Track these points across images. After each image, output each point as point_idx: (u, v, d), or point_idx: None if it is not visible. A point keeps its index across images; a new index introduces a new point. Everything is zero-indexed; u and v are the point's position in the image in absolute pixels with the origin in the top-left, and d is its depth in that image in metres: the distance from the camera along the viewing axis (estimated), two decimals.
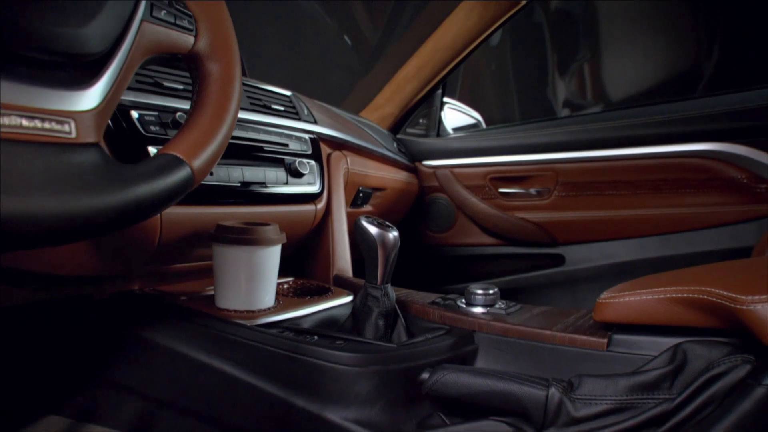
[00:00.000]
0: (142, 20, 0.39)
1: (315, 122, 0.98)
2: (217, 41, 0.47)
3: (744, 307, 0.42)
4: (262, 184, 0.80)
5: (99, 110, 0.34)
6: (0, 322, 0.67)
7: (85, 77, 0.34)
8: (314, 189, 0.90)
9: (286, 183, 0.84)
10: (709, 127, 1.30)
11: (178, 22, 0.43)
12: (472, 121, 1.86)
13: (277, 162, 0.84)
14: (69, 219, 0.30)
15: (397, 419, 0.54)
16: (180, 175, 0.40)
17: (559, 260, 1.48)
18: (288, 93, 0.96)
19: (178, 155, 0.41)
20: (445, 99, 1.72)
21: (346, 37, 2.01)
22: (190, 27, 0.45)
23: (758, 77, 1.63)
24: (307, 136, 0.94)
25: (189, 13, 0.45)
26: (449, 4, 1.41)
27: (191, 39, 0.45)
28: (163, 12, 0.42)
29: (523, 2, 1.35)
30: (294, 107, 0.95)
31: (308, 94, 1.09)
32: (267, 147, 0.82)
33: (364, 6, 2.05)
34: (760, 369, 0.41)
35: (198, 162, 0.42)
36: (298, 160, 0.87)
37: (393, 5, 2.03)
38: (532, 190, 1.51)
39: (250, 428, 0.59)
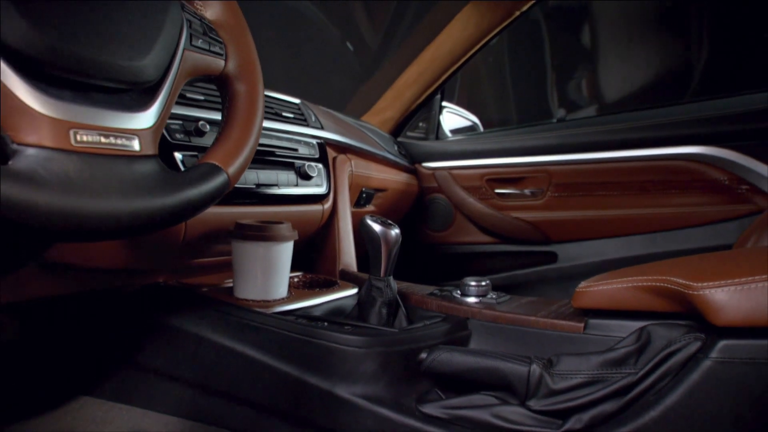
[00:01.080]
0: (184, 49, 0.46)
1: (322, 128, 1.05)
2: (244, 64, 0.54)
3: (695, 293, 0.49)
4: (275, 185, 0.86)
5: (155, 127, 0.41)
6: (44, 311, 0.74)
7: (144, 101, 0.41)
8: (322, 190, 0.97)
9: (296, 185, 0.91)
10: (693, 132, 1.35)
11: (211, 48, 0.50)
12: (469, 123, 1.93)
13: (287, 165, 0.91)
14: (136, 217, 0.37)
15: (399, 394, 0.61)
16: (219, 180, 0.47)
17: (552, 257, 1.54)
18: (297, 101, 1.03)
19: (216, 163, 0.48)
20: (444, 103, 1.76)
21: (348, 44, 2.07)
22: (221, 52, 0.52)
23: (741, 83, 1.70)
24: (314, 141, 1.00)
25: (220, 40, 0.52)
26: (447, 14, 1.46)
27: (222, 62, 0.52)
28: (200, 41, 0.49)
29: (517, 14, 1.42)
30: (302, 114, 1.01)
31: (313, 98, 1.16)
32: (279, 152, 0.89)
33: (365, 12, 2.11)
34: (708, 345, 0.48)
35: (232, 168, 0.49)
36: (307, 163, 0.94)
37: (393, 11, 2.09)
38: (527, 191, 1.55)
39: (269, 404, 0.66)
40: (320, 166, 0.98)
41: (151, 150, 0.40)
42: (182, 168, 0.66)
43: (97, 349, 0.79)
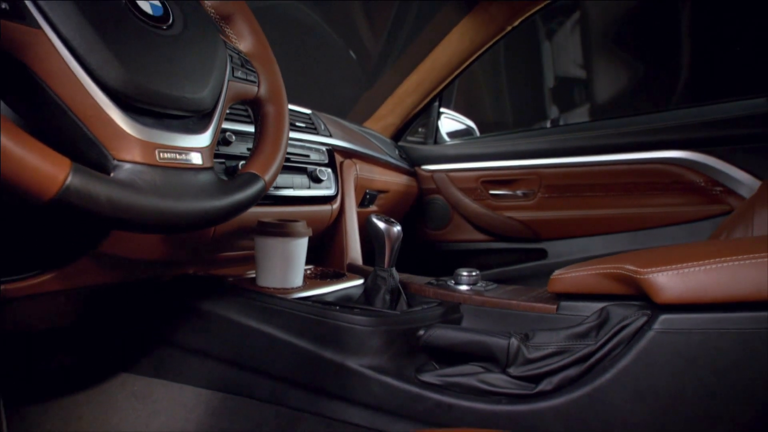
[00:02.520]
0: (229, 81, 0.56)
1: (330, 135, 1.15)
2: (273, 89, 0.64)
3: (642, 277, 0.59)
4: (290, 188, 0.97)
5: (211, 145, 0.52)
6: (94, 297, 0.84)
7: (202, 124, 0.51)
8: (331, 192, 1.08)
9: (309, 187, 1.02)
10: (672, 137, 1.43)
11: (248, 77, 0.61)
12: (466, 127, 2.01)
13: (301, 170, 1.01)
14: (201, 215, 0.48)
15: (401, 365, 0.72)
16: (258, 186, 0.58)
17: (542, 254, 1.62)
18: (308, 111, 1.14)
19: (255, 172, 0.59)
20: (442, 109, 1.83)
21: (351, 52, 2.17)
22: (255, 80, 0.63)
23: (719, 92, 1.80)
24: (324, 147, 1.11)
25: (254, 69, 0.63)
26: (445, 28, 1.55)
27: (255, 88, 0.63)
28: (240, 72, 0.60)
29: (508, 29, 1.52)
30: (313, 123, 1.12)
31: (321, 105, 1.26)
32: (293, 158, 0.99)
33: (366, 20, 2.21)
34: (652, 319, 0.58)
35: (268, 176, 0.60)
36: (318, 168, 1.04)
37: (392, 18, 2.19)
38: (519, 192, 1.63)
39: (289, 376, 0.76)
40: (329, 170, 1.08)
41: (209, 163, 0.51)
42: None
43: (137, 330, 0.89)
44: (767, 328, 0.52)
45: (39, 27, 0.39)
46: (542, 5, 1.47)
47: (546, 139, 1.63)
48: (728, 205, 1.40)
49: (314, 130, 1.10)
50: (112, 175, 0.43)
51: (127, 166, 0.43)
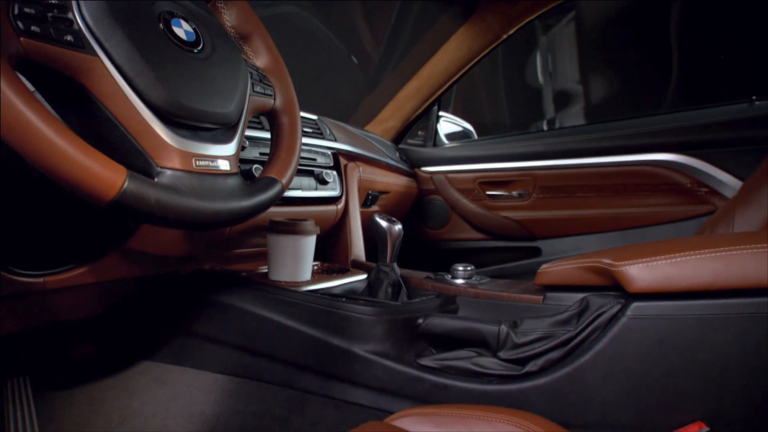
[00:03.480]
0: (250, 95, 0.63)
1: (335, 140, 1.22)
2: (286, 101, 0.71)
3: (616, 269, 0.66)
4: (299, 189, 1.04)
5: (236, 153, 0.59)
6: (120, 289, 0.91)
7: (229, 135, 0.58)
8: (336, 193, 1.15)
9: (315, 189, 1.09)
10: (660, 141, 1.48)
11: (265, 91, 0.68)
12: (464, 130, 2.06)
13: (308, 173, 1.08)
14: (230, 215, 0.55)
15: (402, 351, 0.79)
16: (277, 188, 0.65)
17: (536, 252, 1.68)
18: (314, 117, 1.21)
19: (274, 176, 0.66)
20: (441, 113, 1.90)
21: (353, 57, 2.24)
22: (271, 94, 0.70)
23: (704, 98, 1.87)
24: (329, 151, 1.18)
25: (270, 84, 0.70)
26: (443, 36, 1.62)
27: (272, 101, 0.70)
28: (258, 87, 0.67)
29: (504, 37, 1.59)
30: (319, 128, 1.19)
31: (323, 108, 1.32)
32: (301, 162, 1.06)
33: (367, 25, 2.28)
34: (625, 307, 0.65)
35: (285, 179, 0.67)
36: (324, 171, 1.11)
37: (392, 25, 2.26)
38: (514, 193, 1.68)
39: (300, 361, 0.83)
40: (334, 172, 1.15)
41: (235, 169, 0.58)
42: None
43: (158, 321, 0.96)
44: (723, 313, 0.59)
45: (96, 55, 0.47)
46: (536, 15, 1.54)
47: (540, 142, 1.69)
48: (713, 205, 1.46)
49: (320, 135, 1.17)
50: (156, 180, 0.50)
51: (169, 172, 0.50)
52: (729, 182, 1.44)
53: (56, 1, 0.45)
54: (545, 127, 2.81)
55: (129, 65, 0.48)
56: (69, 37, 0.45)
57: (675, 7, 2.11)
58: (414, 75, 1.72)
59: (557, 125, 2.76)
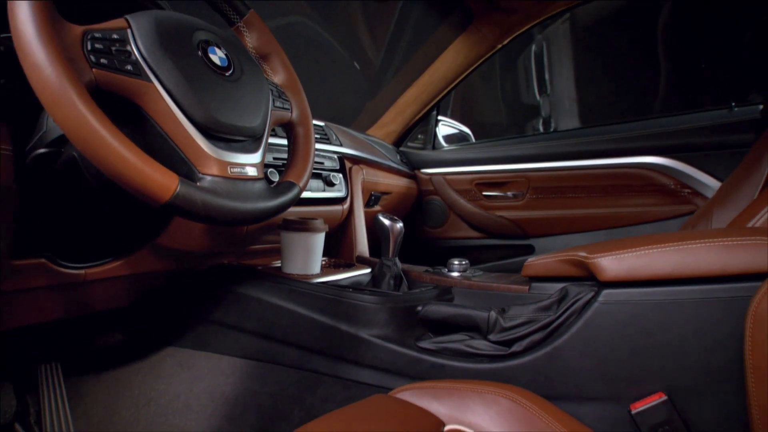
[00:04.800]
0: (271, 110, 0.73)
1: (341, 145, 1.32)
2: (302, 114, 0.81)
3: (590, 261, 0.75)
4: (308, 191, 1.14)
5: (261, 161, 0.68)
6: (148, 281, 1.01)
7: (255, 146, 0.68)
8: (342, 194, 1.24)
9: (323, 190, 1.18)
10: (647, 144, 1.57)
11: (284, 105, 0.78)
12: (461, 133, 2.14)
13: (317, 176, 1.18)
14: (258, 213, 0.64)
15: (403, 335, 0.88)
16: (295, 191, 0.74)
17: (530, 250, 1.76)
18: (322, 123, 1.30)
19: (293, 180, 0.75)
20: (439, 117, 1.99)
21: (355, 63, 2.33)
22: (288, 107, 0.79)
23: (688, 104, 1.96)
24: (335, 155, 1.27)
25: (287, 99, 0.80)
26: (441, 45, 1.71)
27: (289, 114, 0.79)
28: (278, 102, 0.76)
29: (498, 47, 1.68)
30: (326, 134, 1.29)
31: (328, 112, 1.41)
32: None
33: (368, 32, 2.37)
34: (597, 294, 0.74)
35: (302, 183, 0.76)
36: (331, 173, 1.21)
37: (391, 32, 2.34)
38: (509, 194, 1.77)
39: (311, 345, 0.92)
40: (340, 175, 1.25)
41: (261, 174, 0.67)
42: None
43: (182, 310, 1.06)
44: (681, 299, 0.69)
45: (150, 81, 0.56)
46: (528, 27, 1.63)
47: (534, 145, 1.78)
48: (694, 205, 1.55)
49: (327, 141, 1.27)
50: (198, 184, 0.59)
51: (209, 178, 0.59)
52: (710, 183, 1.53)
53: (117, 36, 0.55)
54: (540, 126, 2.91)
55: (176, 89, 0.57)
56: (129, 67, 0.55)
57: (660, 20, 2.20)
58: (414, 82, 1.81)
59: (544, 122, 2.86)
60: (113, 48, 0.54)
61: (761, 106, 1.44)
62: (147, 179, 0.51)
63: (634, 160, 1.59)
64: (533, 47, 2.68)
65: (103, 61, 0.52)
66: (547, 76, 2.72)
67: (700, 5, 2.11)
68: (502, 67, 2.75)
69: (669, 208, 1.58)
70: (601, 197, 1.64)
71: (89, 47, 0.52)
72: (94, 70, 0.52)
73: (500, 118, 2.92)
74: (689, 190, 1.55)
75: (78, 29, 0.52)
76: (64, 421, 1.01)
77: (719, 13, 2.03)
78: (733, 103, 1.55)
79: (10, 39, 0.49)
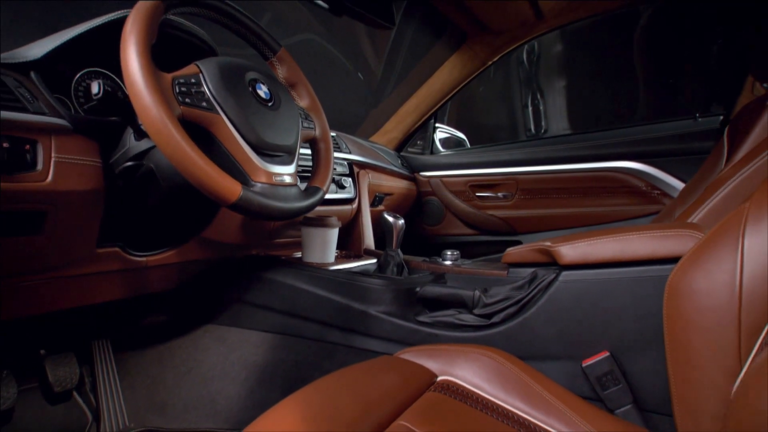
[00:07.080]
0: (301, 129, 0.92)
1: (350, 152, 1.50)
2: (323, 131, 1.00)
3: (552, 249, 0.94)
4: None
5: (295, 171, 0.87)
6: (193, 268, 1.20)
7: (290, 159, 0.86)
8: (351, 195, 1.43)
9: (336, 192, 1.37)
10: (622, 151, 1.73)
11: (310, 126, 0.97)
12: (455, 137, 2.29)
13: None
14: (295, 212, 0.83)
15: (405, 311, 1.06)
16: (320, 194, 0.93)
17: (518, 245, 1.95)
18: (333, 134, 1.49)
19: (318, 185, 0.94)
20: (437, 125, 2.15)
21: (359, 74, 2.52)
22: (312, 127, 0.98)
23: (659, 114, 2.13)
24: (345, 162, 1.46)
25: (312, 120, 0.99)
26: (437, 61, 1.88)
27: (313, 132, 0.99)
28: (305, 122, 0.95)
29: (489, 63, 1.86)
30: (338, 143, 1.47)
31: (336, 120, 1.58)
32: None
33: (371, 45, 2.55)
34: (558, 275, 0.93)
35: (325, 187, 0.95)
36: (342, 177, 1.40)
37: (389, 46, 2.51)
38: (500, 194, 1.92)
39: (329, 321, 1.10)
40: (350, 179, 1.44)
41: (294, 181, 0.86)
42: None
43: (219, 293, 1.25)
44: (621, 277, 0.87)
45: (218, 114, 0.75)
46: (517, 45, 1.82)
47: (522, 151, 1.94)
48: (662, 204, 1.71)
49: (338, 149, 1.45)
50: (252, 189, 0.78)
51: (260, 184, 0.78)
52: (676, 185, 1.68)
53: (194, 81, 0.75)
54: (527, 129, 3.10)
55: (237, 119, 0.76)
56: (204, 103, 0.74)
57: (636, 37, 2.39)
58: (413, 94, 1.97)
59: (532, 128, 3.04)
60: (193, 90, 0.73)
61: (721, 117, 1.61)
62: (220, 186, 0.70)
63: (611, 165, 1.74)
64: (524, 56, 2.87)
65: (187, 100, 0.72)
66: (530, 85, 2.91)
67: (669, 25, 2.30)
68: (495, 72, 2.94)
69: (641, 207, 1.73)
70: (581, 198, 1.80)
71: (177, 90, 0.71)
72: (181, 107, 0.71)
73: (493, 121, 3.11)
74: (658, 191, 1.71)
75: (168, 77, 0.72)
76: (115, 390, 1.20)
77: (687, 31, 2.22)
78: (698, 114, 1.72)
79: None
